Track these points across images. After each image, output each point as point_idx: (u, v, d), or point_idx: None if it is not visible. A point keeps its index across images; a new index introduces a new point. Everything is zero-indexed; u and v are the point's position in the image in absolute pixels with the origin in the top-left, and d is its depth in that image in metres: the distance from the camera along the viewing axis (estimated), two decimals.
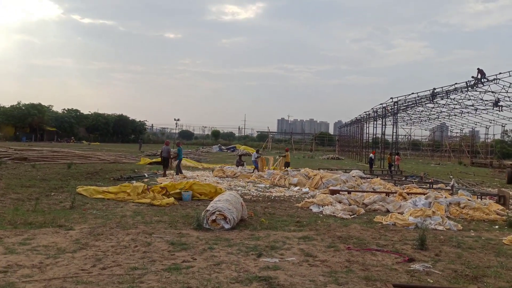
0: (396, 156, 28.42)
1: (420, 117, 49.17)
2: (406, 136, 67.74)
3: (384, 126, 36.26)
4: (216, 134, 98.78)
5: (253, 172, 21.26)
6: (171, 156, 18.34)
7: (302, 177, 17.08)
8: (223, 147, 57.84)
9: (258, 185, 16.43)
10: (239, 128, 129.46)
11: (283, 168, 22.54)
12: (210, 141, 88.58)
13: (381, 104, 35.92)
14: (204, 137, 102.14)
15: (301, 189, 15.23)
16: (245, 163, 24.65)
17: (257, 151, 23.67)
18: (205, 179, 17.35)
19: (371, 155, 29.38)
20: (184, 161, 26.41)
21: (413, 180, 19.47)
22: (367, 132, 45.22)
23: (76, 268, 5.36)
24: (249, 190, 14.63)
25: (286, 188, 15.63)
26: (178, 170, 18.29)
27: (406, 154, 63.48)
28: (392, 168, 27.60)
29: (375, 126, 40.01)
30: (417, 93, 32.13)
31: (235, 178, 18.55)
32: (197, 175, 19.20)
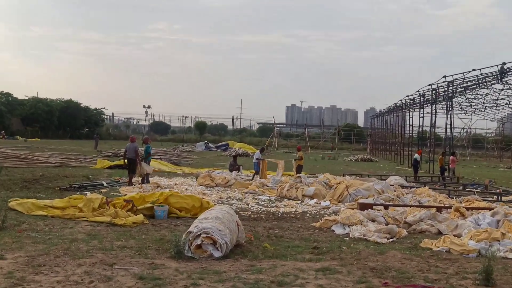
0: (451, 157, 28.63)
1: (484, 103, 49.21)
2: (465, 130, 67.98)
3: (434, 115, 36.39)
4: (201, 127, 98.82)
5: (252, 178, 21.28)
6: (140, 158, 18.37)
7: (320, 186, 17.08)
8: (211, 145, 57.99)
9: (260, 197, 16.48)
10: (233, 119, 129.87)
11: (294, 173, 22.58)
12: (193, 137, 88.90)
13: (429, 85, 35.99)
14: (185, 131, 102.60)
15: (319, 203, 15.27)
16: (241, 167, 24.67)
17: (262, 150, 23.79)
18: (187, 189, 17.40)
19: (416, 155, 29.49)
20: (157, 164, 26.43)
21: (474, 190, 19.52)
22: (411, 123, 45.41)
23: None
24: (248, 204, 14.69)
25: (298, 202, 15.69)
26: (144, 177, 18.32)
27: (465, 154, 63.75)
28: (446, 174, 27.67)
29: (421, 115, 39.97)
30: (479, 69, 32.05)
31: (228, 188, 18.62)
32: (176, 184, 19.24)
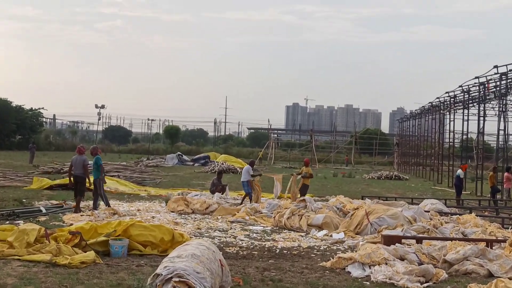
0: (506, 174, 28.40)
1: None
2: None
3: (482, 118, 36.44)
4: (173, 134, 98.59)
5: (241, 202, 21.20)
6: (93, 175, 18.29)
7: (332, 212, 17.06)
8: (185, 158, 57.93)
9: (251, 227, 16.45)
10: (215, 123, 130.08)
11: (298, 195, 22.50)
12: (162, 147, 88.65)
13: (476, 77, 35.95)
14: (151, 139, 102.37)
15: (331, 235, 15.25)
16: (227, 186, 24.63)
17: (252, 164, 23.61)
18: (154, 217, 17.36)
19: (459, 171, 29.52)
20: (114, 184, 26.31)
21: None
22: (452, 129, 45.61)
23: None
24: (235, 238, 14.66)
25: (303, 234, 15.68)
26: (97, 199, 18.30)
27: None
28: (498, 196, 27.70)
29: (465, 118, 39.93)
30: None
31: (209, 215, 18.60)
32: (139, 210, 19.18)
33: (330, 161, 74.64)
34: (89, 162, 19.03)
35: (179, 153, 60.87)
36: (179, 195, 21.67)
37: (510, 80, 34.66)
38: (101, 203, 18.63)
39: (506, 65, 32.66)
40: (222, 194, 22.87)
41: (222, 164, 46.85)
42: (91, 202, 18.95)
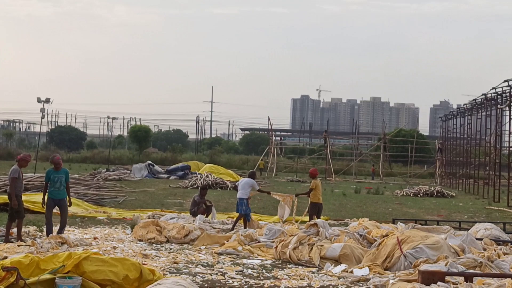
0: None
1: None
2: None
3: None
4: (141, 137, 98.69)
5: (233, 227, 21.21)
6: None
7: (352, 240, 17.08)
8: (158, 168, 58.36)
9: (246, 260, 16.46)
10: (197, 122, 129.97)
11: (306, 217, 22.52)
12: (127, 154, 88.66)
13: None
14: (112, 144, 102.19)
15: (351, 271, 15.26)
16: (213, 206, 24.67)
17: (253, 175, 23.59)
18: (115, 248, 17.38)
19: None
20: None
21: None
22: (511, 129, 45.54)
23: None
24: (224, 275, 14.67)
25: (314, 269, 15.70)
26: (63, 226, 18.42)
27: None
28: None
29: None
30: None
31: (189, 245, 18.65)
32: (95, 238, 19.20)
33: (351, 172, 74.84)
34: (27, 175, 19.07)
35: (149, 162, 60.71)
36: (149, 218, 21.66)
37: None
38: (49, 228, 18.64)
39: None
40: (207, 216, 22.85)
41: (207, 176, 46.83)
42: (33, 228, 18.94)
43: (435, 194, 46.84)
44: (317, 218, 21.29)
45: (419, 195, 45.99)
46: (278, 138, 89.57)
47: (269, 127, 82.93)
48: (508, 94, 44.87)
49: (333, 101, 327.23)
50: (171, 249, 17.97)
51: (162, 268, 14.60)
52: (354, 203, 36.01)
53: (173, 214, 24.07)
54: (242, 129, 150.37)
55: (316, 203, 23.39)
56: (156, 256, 16.62)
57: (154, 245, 18.51)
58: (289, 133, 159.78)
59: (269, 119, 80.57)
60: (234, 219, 22.51)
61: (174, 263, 15.75)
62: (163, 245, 18.56)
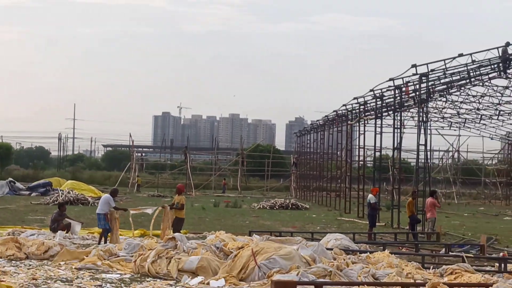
0: (429, 200, 29.00)
1: (478, 109, 51.15)
2: (450, 153, 70.61)
3: (398, 130, 37.72)
4: (3, 154, 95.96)
5: (98, 242, 21.02)
6: None
7: (209, 253, 17.15)
8: (19, 185, 57.60)
9: (104, 275, 16.31)
10: (60, 139, 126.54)
11: (167, 230, 22.57)
12: None
13: (390, 79, 36.96)
14: None
15: (207, 283, 15.33)
16: (81, 223, 24.52)
17: (114, 193, 23.66)
18: None
19: (369, 196, 30.51)
20: None
21: (463, 254, 20.17)
22: (361, 144, 46.78)
23: None
24: None
25: (172, 282, 15.70)
26: None
27: (450, 195, 66.80)
28: (419, 228, 28.81)
29: (378, 130, 40.50)
30: (470, 54, 33.71)
31: (49, 260, 18.36)
32: None
33: (210, 186, 74.97)
34: None
35: (10, 179, 59.91)
36: (8, 235, 21.13)
37: (432, 82, 35.74)
38: None
39: (427, 64, 33.01)
40: (67, 232, 22.60)
41: (68, 193, 46.26)
42: None
43: (290, 206, 47.85)
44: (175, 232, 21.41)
45: (275, 208, 46.72)
46: (140, 154, 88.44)
47: (131, 143, 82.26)
48: (357, 110, 46.24)
49: (193, 118, 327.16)
50: (30, 265, 17.61)
51: (21, 285, 14.29)
52: (213, 217, 36.22)
53: (33, 230, 23.68)
54: (105, 146, 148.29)
55: (182, 218, 23.52)
56: (15, 272, 16.23)
57: (13, 261, 18.05)
58: (150, 149, 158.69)
59: (130, 135, 79.99)
60: (96, 234, 22.49)
61: (33, 279, 15.46)
62: (22, 261, 18.15)
